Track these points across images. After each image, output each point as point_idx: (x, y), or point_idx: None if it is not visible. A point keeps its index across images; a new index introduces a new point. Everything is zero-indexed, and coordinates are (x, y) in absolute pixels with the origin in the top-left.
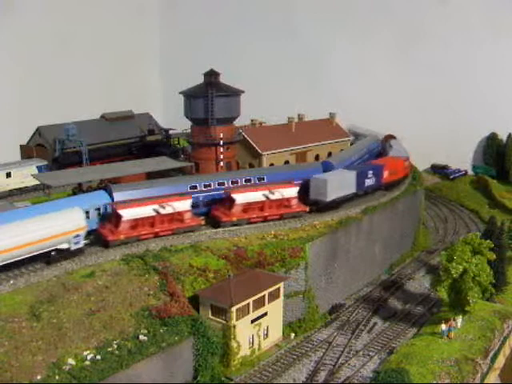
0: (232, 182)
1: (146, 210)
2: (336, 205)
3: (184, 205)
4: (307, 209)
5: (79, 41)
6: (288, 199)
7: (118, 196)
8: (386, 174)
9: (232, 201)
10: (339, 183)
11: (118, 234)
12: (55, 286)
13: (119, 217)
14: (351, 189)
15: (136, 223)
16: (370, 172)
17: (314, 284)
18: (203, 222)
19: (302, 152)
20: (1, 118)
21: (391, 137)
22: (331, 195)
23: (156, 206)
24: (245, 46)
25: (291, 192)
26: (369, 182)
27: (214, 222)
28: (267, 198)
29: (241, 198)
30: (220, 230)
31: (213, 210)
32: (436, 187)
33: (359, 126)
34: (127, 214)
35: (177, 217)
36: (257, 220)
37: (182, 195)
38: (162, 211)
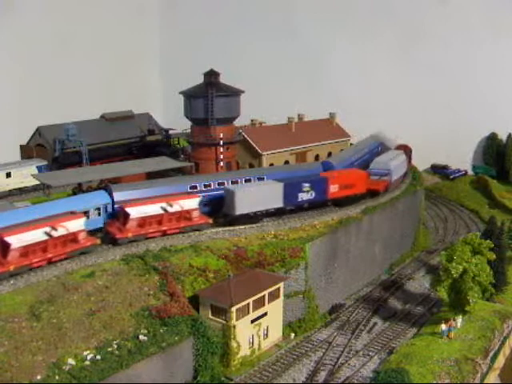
0: (232, 182)
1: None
2: (255, 219)
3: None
4: (210, 221)
5: (79, 41)
6: (188, 211)
7: (118, 196)
8: (333, 188)
9: (126, 215)
10: (256, 196)
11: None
12: (55, 286)
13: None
14: (276, 203)
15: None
16: (306, 185)
17: (314, 284)
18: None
19: (301, 152)
20: (1, 118)
21: (405, 147)
22: (242, 208)
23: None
24: (245, 45)
25: (192, 203)
26: (305, 196)
27: (109, 239)
28: (165, 210)
29: (135, 211)
30: (220, 229)
31: (107, 226)
32: (436, 187)
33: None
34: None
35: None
36: (155, 235)
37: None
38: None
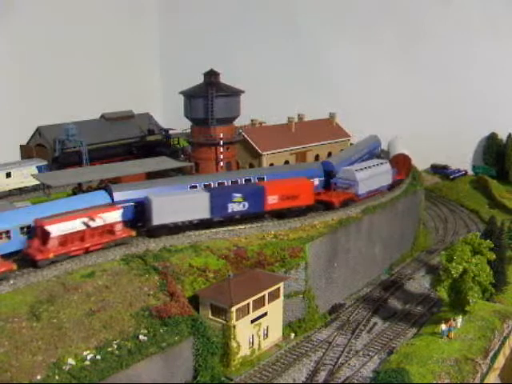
0: (232, 182)
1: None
2: (177, 230)
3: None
4: (134, 233)
5: (79, 41)
6: (111, 225)
7: (118, 196)
8: (271, 198)
9: (46, 234)
10: (178, 205)
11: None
12: (55, 286)
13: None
14: (202, 213)
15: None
16: (237, 195)
17: (314, 284)
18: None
19: (301, 152)
20: (1, 118)
21: (403, 158)
22: (160, 219)
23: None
24: (245, 45)
25: (114, 216)
26: (237, 206)
27: (28, 262)
28: (88, 225)
29: (56, 229)
30: (220, 229)
31: (25, 247)
32: (436, 187)
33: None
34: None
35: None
36: (77, 253)
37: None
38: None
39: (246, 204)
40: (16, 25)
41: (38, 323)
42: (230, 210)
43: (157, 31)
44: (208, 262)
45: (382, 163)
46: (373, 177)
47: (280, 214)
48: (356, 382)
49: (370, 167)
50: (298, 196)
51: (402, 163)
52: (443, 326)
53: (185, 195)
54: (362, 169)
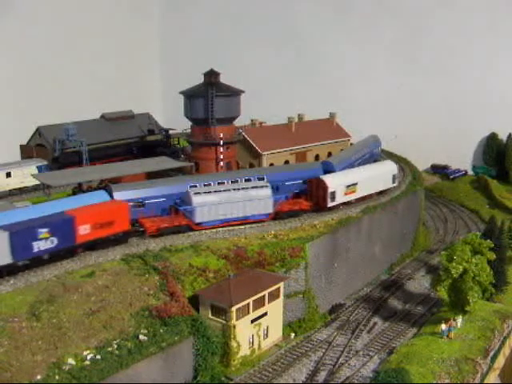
0: (232, 182)
1: None
2: None
3: None
4: None
5: (79, 41)
6: None
7: (118, 196)
8: (83, 229)
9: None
10: None
11: None
12: (55, 286)
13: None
14: (2, 258)
15: None
16: (43, 230)
17: (314, 284)
18: None
19: (301, 152)
20: (1, 118)
21: (318, 185)
22: None
23: None
24: (245, 45)
25: None
26: (44, 244)
27: None
28: None
29: None
30: (220, 229)
31: None
32: (436, 187)
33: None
34: None
35: None
36: None
37: None
38: None
39: (55, 239)
40: (16, 25)
41: (38, 323)
42: (36, 250)
43: (157, 31)
44: (208, 262)
45: (260, 186)
46: (230, 202)
47: (93, 247)
48: (356, 382)
49: (228, 190)
50: (113, 222)
51: (315, 188)
52: (443, 326)
53: None
54: (209, 192)
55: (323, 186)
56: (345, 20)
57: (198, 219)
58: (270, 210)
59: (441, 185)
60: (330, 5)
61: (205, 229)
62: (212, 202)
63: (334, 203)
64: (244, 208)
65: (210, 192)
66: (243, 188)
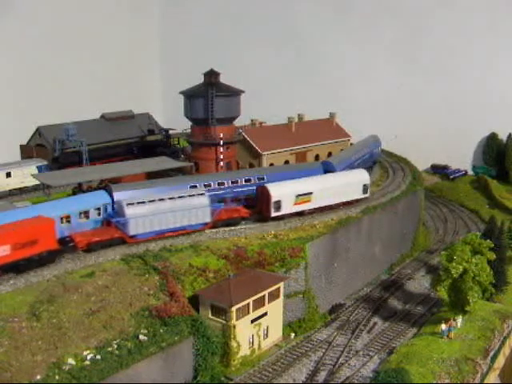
0: (232, 182)
1: None
2: None
3: None
4: None
5: (79, 41)
6: None
7: (118, 196)
8: (1, 250)
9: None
10: None
11: None
12: (55, 286)
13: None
14: None
15: None
16: None
17: (314, 284)
18: None
19: (301, 152)
20: (1, 118)
21: (262, 193)
22: None
23: None
24: (245, 45)
25: None
26: None
27: None
28: None
29: None
30: (220, 229)
31: None
32: (436, 187)
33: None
34: None
35: None
36: None
37: None
38: None
39: None
40: (16, 25)
41: (38, 323)
42: None
43: (157, 31)
44: (208, 262)
45: (197, 194)
46: (166, 213)
47: (15, 269)
48: (356, 382)
49: (163, 200)
50: (37, 241)
51: (261, 196)
52: (443, 326)
53: None
54: (143, 202)
55: (267, 195)
56: (345, 20)
57: (131, 231)
58: (208, 219)
59: (441, 185)
60: (330, 5)
61: (139, 241)
62: (146, 212)
63: (278, 213)
64: (181, 218)
65: (144, 202)
66: (179, 197)
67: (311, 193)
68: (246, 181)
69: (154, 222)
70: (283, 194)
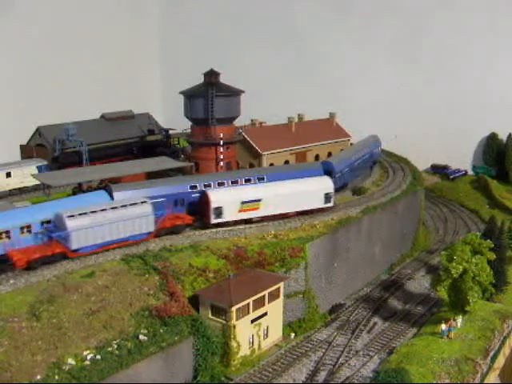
0: (232, 182)
1: None
2: None
3: None
4: None
5: (79, 41)
6: None
7: (118, 196)
8: None
9: None
10: None
11: None
12: (55, 286)
13: None
14: None
15: None
16: None
17: (314, 284)
18: None
19: (301, 152)
20: (1, 118)
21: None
22: None
23: None
24: (245, 45)
25: None
26: None
27: None
28: None
29: None
30: (220, 229)
31: None
32: (436, 187)
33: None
34: None
35: None
36: None
37: None
38: None
39: None
40: (16, 25)
41: (38, 323)
42: None
43: (157, 31)
44: (208, 262)
45: (140, 203)
46: (109, 223)
47: None
48: (356, 382)
49: (105, 210)
50: None
51: (203, 202)
52: (443, 326)
53: None
54: (85, 213)
55: (207, 201)
56: (345, 20)
57: (74, 245)
58: (152, 228)
59: (441, 185)
60: (330, 5)
61: (82, 255)
62: (89, 224)
63: (219, 220)
64: (124, 228)
65: (85, 213)
66: (122, 206)
67: (260, 200)
68: (245, 181)
69: (98, 233)
70: (225, 200)
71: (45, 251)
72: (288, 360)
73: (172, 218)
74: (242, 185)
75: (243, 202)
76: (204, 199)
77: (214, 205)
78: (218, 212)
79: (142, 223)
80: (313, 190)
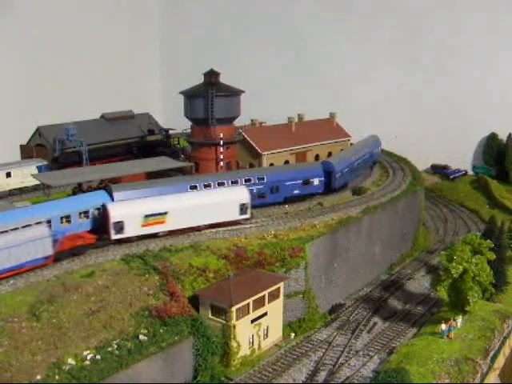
0: (232, 182)
1: None
2: None
3: None
4: None
5: (79, 41)
6: None
7: (118, 196)
8: None
9: None
10: None
11: None
12: (55, 286)
13: None
14: None
15: None
16: None
17: (314, 284)
18: None
19: (301, 152)
20: (1, 118)
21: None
22: None
23: None
24: (245, 45)
25: None
26: None
27: None
28: None
29: None
30: (220, 229)
31: None
32: (436, 187)
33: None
34: None
35: None
36: None
37: None
38: None
39: None
40: (16, 24)
41: (38, 323)
42: None
43: (157, 31)
44: (208, 262)
45: (34, 224)
46: (3, 249)
47: None
48: (356, 382)
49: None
50: None
51: (104, 216)
52: (443, 326)
53: None
54: None
55: (107, 215)
56: (345, 20)
57: None
58: (50, 252)
59: (441, 185)
60: (330, 5)
61: None
62: None
63: (121, 235)
64: (17, 254)
65: None
66: (13, 229)
67: (166, 213)
68: (245, 181)
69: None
70: (126, 214)
71: None
72: (288, 360)
73: (71, 239)
74: (148, 196)
75: (147, 216)
76: (104, 213)
77: (113, 219)
78: (119, 227)
79: (38, 247)
80: (226, 201)
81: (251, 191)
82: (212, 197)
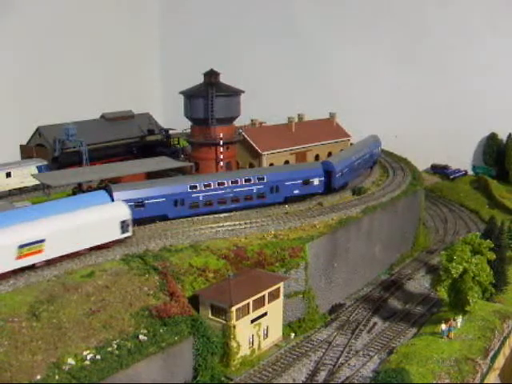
0: (232, 182)
1: None
2: None
3: None
4: None
5: (79, 41)
6: None
7: (118, 196)
8: None
9: None
10: None
11: None
12: (55, 286)
13: None
14: None
15: None
16: None
17: (314, 284)
18: None
19: (301, 152)
20: (1, 118)
21: None
22: None
23: None
24: (245, 45)
25: None
26: None
27: None
28: None
29: None
30: (220, 229)
31: None
32: (436, 187)
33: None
34: None
35: None
36: None
37: None
38: None
39: None
40: (16, 24)
41: (38, 323)
42: None
43: (157, 31)
44: (208, 262)
45: None
46: None
47: None
48: (356, 382)
49: None
50: None
51: None
52: (443, 326)
53: None
54: None
55: None
56: (345, 20)
57: None
58: None
59: (441, 185)
60: (331, 5)
61: None
62: None
63: None
64: None
65: None
66: None
67: (43, 240)
68: (246, 181)
69: None
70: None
71: None
72: (288, 360)
73: None
74: (19, 222)
75: (22, 246)
76: None
77: None
78: None
79: None
80: (106, 219)
81: (251, 191)
82: (90, 216)
